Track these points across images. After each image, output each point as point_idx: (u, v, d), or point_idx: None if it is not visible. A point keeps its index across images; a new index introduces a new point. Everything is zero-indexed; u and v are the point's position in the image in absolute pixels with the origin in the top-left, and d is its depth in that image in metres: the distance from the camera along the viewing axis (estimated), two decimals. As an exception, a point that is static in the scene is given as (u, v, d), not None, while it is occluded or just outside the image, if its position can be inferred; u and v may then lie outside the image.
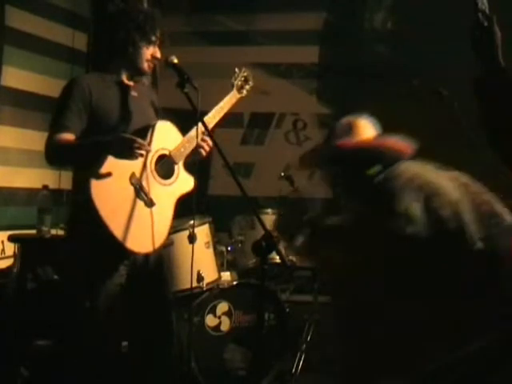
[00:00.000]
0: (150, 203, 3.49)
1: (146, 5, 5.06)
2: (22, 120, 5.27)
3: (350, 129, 3.05)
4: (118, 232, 3.37)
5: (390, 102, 5.27)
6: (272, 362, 4.69)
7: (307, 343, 4.90)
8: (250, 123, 6.65)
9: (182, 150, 3.64)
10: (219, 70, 6.38)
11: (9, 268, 4.86)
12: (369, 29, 6.38)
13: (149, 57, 3.61)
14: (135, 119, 3.56)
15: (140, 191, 3.46)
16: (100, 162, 3.37)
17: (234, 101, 3.94)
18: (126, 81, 3.62)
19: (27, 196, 5.26)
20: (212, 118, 3.78)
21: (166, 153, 3.61)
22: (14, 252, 4.76)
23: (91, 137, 3.45)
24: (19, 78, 5.30)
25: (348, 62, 6.35)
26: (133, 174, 3.45)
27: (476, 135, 4.25)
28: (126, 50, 3.57)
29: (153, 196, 3.52)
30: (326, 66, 6.45)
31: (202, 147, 3.70)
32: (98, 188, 3.35)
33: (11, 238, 4.78)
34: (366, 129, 3.07)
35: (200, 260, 4.41)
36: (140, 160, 3.45)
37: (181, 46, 6.17)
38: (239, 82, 4.00)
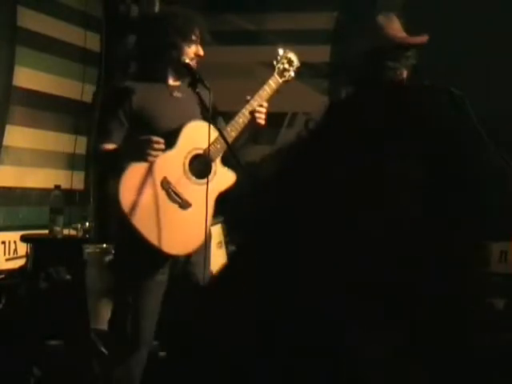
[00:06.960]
0: (185, 205, 3.50)
1: (157, 5, 5.06)
2: (34, 120, 5.28)
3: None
4: (152, 237, 3.40)
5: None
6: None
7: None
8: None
9: (219, 146, 3.58)
10: (230, 70, 6.39)
11: (21, 268, 4.88)
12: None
13: (192, 55, 3.62)
14: (178, 121, 3.55)
15: (172, 194, 3.47)
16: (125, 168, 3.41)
17: (275, 86, 3.77)
18: (171, 83, 3.63)
19: (39, 196, 5.26)
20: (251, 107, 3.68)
21: (201, 152, 3.58)
22: (27, 252, 4.77)
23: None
24: (31, 78, 5.31)
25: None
26: (164, 179, 3.46)
27: (488, 135, 4.24)
28: (169, 54, 3.59)
29: (188, 197, 3.52)
30: (338, 66, 6.44)
31: (259, 117, 3.67)
32: (127, 197, 3.38)
33: (23, 238, 4.79)
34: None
35: (212, 260, 4.41)
36: (173, 162, 3.48)
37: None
38: (281, 66, 3.86)
